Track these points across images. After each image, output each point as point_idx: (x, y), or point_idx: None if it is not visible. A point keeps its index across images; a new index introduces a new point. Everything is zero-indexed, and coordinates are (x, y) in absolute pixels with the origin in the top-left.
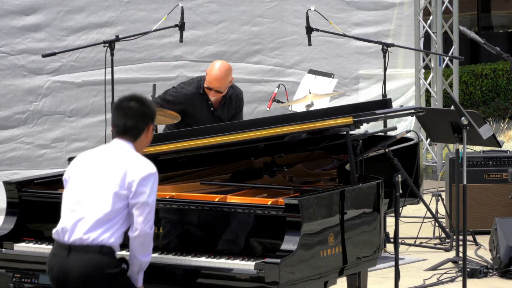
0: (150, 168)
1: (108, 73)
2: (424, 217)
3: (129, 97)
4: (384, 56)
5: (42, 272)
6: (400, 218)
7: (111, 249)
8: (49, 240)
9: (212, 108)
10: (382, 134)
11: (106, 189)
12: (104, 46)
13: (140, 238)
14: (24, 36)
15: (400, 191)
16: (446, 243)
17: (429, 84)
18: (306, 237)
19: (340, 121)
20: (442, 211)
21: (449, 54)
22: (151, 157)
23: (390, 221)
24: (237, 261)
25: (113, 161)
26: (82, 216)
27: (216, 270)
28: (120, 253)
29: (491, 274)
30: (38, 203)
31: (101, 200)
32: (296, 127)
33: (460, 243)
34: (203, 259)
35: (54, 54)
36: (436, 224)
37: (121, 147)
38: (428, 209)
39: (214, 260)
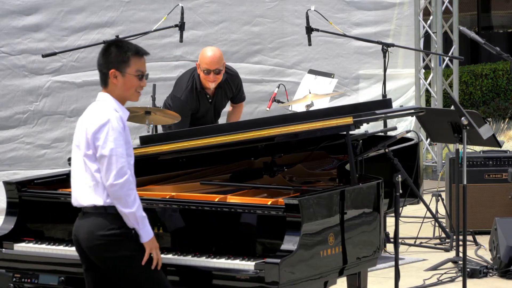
0: (101, 118)
1: None
2: (424, 217)
3: (110, 41)
4: (384, 56)
5: (42, 272)
6: (400, 218)
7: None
8: (49, 240)
9: (210, 100)
10: (382, 134)
11: (79, 154)
12: None
13: (110, 192)
14: (24, 36)
15: (400, 191)
16: (446, 243)
17: (429, 84)
18: (306, 237)
19: (340, 121)
20: (442, 211)
21: (449, 54)
22: (152, 157)
23: (390, 221)
24: (237, 261)
25: (83, 121)
26: (75, 185)
27: (216, 270)
28: None
29: (491, 274)
30: (38, 203)
31: (79, 166)
32: (296, 127)
33: (460, 243)
34: (203, 259)
35: (54, 54)
36: (436, 224)
37: (98, 101)
38: (428, 209)
39: (214, 260)
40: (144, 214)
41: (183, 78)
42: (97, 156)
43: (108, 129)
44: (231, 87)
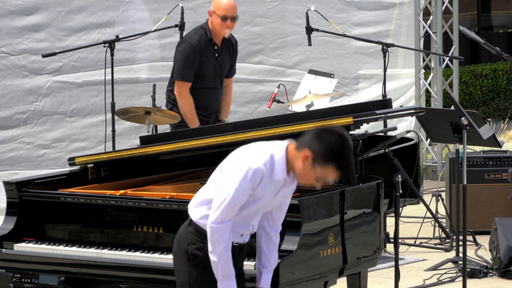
0: (247, 160)
1: (108, 73)
2: (424, 217)
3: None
4: (384, 56)
5: (42, 272)
6: (400, 218)
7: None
8: (49, 240)
9: (216, 55)
10: (382, 134)
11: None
12: (104, 46)
13: (208, 230)
14: (25, 36)
15: (400, 191)
16: (446, 243)
17: (429, 84)
18: (306, 237)
19: (340, 121)
20: (442, 211)
21: (449, 54)
22: (152, 157)
23: (390, 221)
24: None
25: (238, 149)
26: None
27: None
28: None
29: (491, 274)
30: (38, 203)
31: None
32: (296, 127)
33: (460, 243)
34: None
35: (54, 54)
36: (436, 224)
37: (267, 146)
38: (428, 209)
39: None
40: (230, 274)
41: (192, 31)
42: (216, 185)
43: (245, 175)
44: (233, 46)
